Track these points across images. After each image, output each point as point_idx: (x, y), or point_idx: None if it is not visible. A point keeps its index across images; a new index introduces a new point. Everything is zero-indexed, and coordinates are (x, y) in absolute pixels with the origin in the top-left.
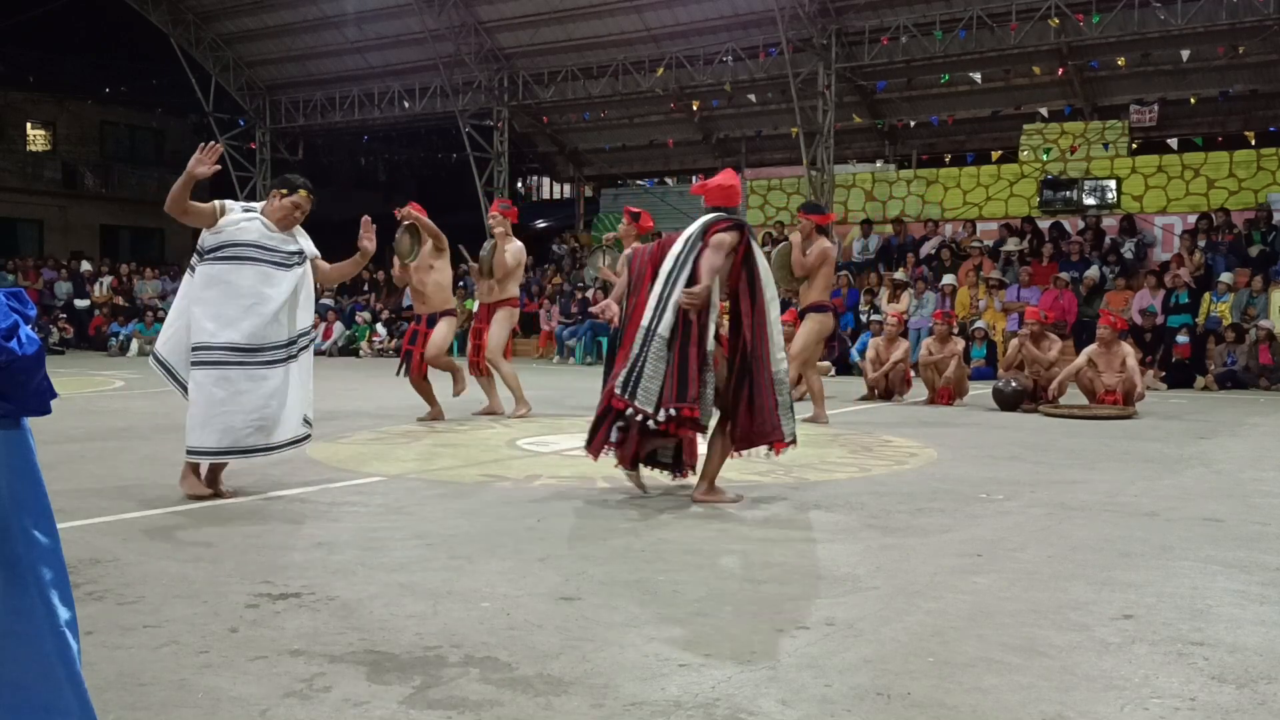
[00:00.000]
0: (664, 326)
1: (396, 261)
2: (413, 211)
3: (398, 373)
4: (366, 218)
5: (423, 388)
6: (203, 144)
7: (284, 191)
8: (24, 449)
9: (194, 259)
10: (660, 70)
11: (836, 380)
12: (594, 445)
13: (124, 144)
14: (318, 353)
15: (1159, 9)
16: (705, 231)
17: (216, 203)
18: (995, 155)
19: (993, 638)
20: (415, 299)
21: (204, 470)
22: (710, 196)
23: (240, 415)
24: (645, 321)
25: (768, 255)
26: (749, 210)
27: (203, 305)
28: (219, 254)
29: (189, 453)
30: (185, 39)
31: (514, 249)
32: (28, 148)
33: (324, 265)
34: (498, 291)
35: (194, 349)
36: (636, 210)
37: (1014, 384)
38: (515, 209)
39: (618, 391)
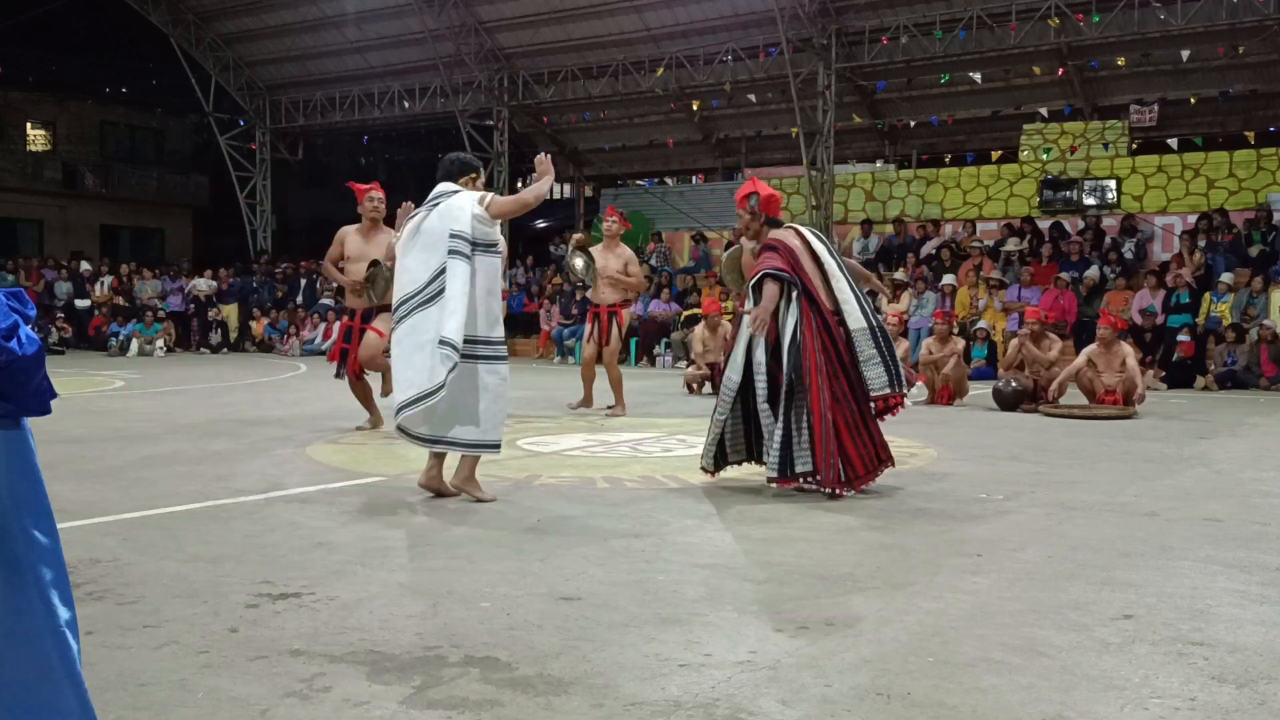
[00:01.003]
0: (877, 319)
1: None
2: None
3: (336, 375)
4: None
5: (360, 390)
6: (544, 154)
7: (475, 175)
8: (24, 449)
9: (470, 247)
10: (660, 70)
11: None
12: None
13: (124, 144)
14: (316, 352)
15: (1159, 9)
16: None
17: None
18: (995, 155)
19: (993, 638)
20: (351, 294)
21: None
22: (776, 208)
23: None
24: (864, 322)
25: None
26: None
27: (496, 300)
28: (496, 249)
29: (497, 447)
30: (185, 39)
31: None
32: (28, 148)
33: None
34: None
35: (489, 343)
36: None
37: (1014, 384)
38: None
39: (890, 390)
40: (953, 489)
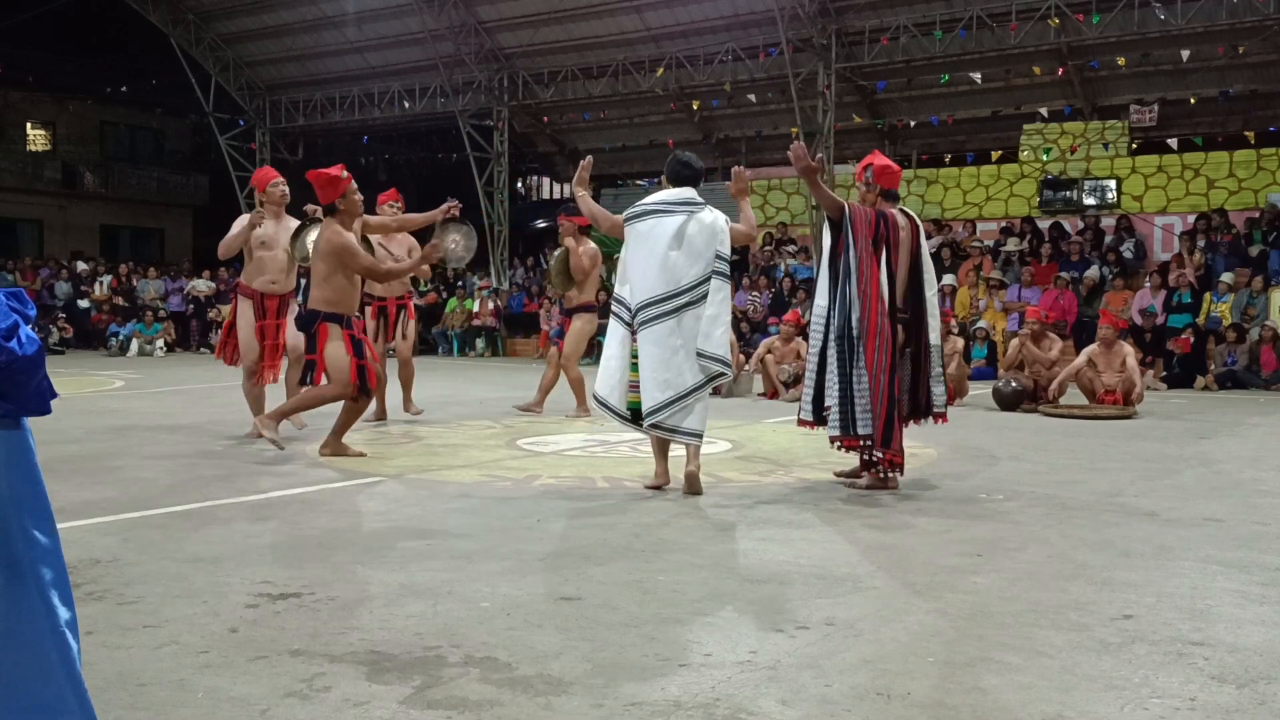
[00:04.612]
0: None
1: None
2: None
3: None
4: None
5: (258, 394)
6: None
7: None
8: (24, 449)
9: (727, 268)
10: (660, 70)
11: None
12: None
13: (124, 144)
14: None
15: (1159, 9)
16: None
17: None
18: (995, 155)
19: (993, 638)
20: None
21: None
22: (892, 179)
23: None
24: (938, 340)
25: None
26: None
27: None
28: None
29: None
30: (185, 39)
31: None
32: (28, 148)
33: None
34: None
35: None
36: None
37: (1014, 384)
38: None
39: (943, 409)
40: (953, 489)
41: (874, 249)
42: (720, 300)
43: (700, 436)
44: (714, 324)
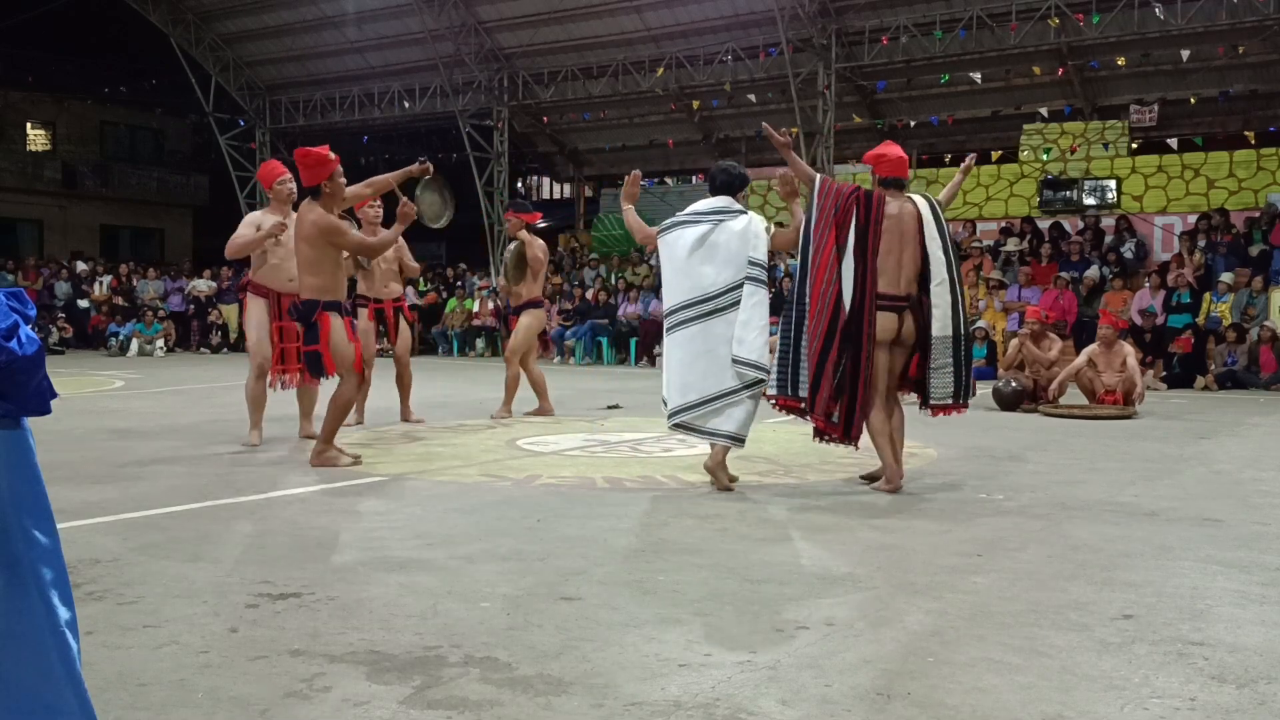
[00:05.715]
0: (966, 329)
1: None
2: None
3: (312, 377)
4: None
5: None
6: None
7: (747, 193)
8: (24, 449)
9: (766, 275)
10: (660, 70)
11: None
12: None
13: (124, 144)
14: None
15: (1159, 9)
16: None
17: None
18: (995, 155)
19: (993, 638)
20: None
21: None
22: (887, 167)
23: None
24: (949, 330)
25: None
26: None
27: None
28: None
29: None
30: (185, 39)
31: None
32: (28, 148)
33: None
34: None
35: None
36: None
37: (1014, 384)
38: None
39: (951, 401)
40: (953, 489)
41: (836, 222)
42: (753, 305)
43: (729, 438)
44: (747, 329)
